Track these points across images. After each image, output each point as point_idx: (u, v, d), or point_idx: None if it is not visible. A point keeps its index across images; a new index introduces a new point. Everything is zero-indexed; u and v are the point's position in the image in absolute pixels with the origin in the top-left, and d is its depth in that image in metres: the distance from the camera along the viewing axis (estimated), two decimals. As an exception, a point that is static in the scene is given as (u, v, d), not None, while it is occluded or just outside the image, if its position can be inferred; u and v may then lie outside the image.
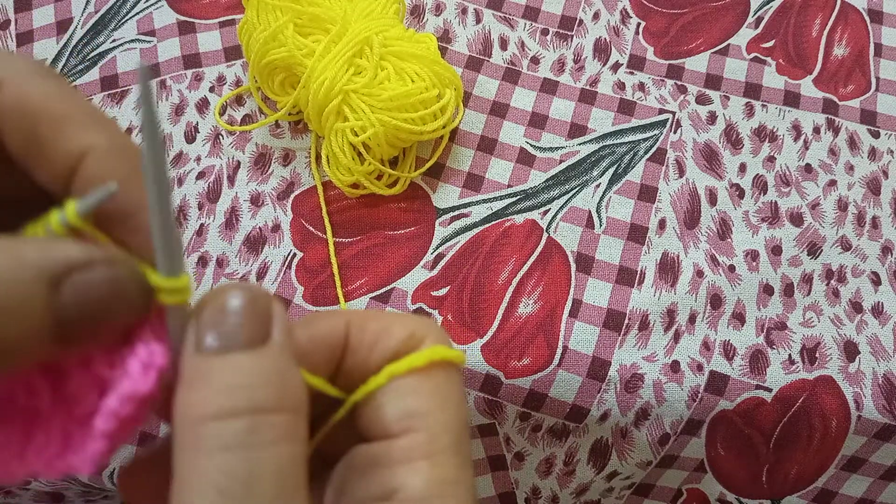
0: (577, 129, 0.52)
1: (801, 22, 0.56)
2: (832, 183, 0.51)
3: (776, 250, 0.49)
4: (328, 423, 0.21)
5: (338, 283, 0.47)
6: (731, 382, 0.45)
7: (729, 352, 0.46)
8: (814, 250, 0.49)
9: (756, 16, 0.57)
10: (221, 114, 0.52)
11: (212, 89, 0.53)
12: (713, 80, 0.54)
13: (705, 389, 0.45)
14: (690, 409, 0.45)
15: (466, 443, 0.19)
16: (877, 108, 0.53)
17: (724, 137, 0.52)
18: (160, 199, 0.17)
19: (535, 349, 0.45)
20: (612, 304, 0.47)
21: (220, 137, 0.51)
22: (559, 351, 0.45)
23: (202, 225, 0.49)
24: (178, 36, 0.54)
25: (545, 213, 0.49)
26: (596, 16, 0.56)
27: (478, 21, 0.55)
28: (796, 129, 0.52)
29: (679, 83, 0.54)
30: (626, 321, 0.46)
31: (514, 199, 0.50)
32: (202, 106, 0.52)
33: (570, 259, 0.48)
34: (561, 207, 0.49)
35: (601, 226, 0.49)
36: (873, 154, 0.52)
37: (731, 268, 0.48)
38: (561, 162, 0.51)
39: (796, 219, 0.50)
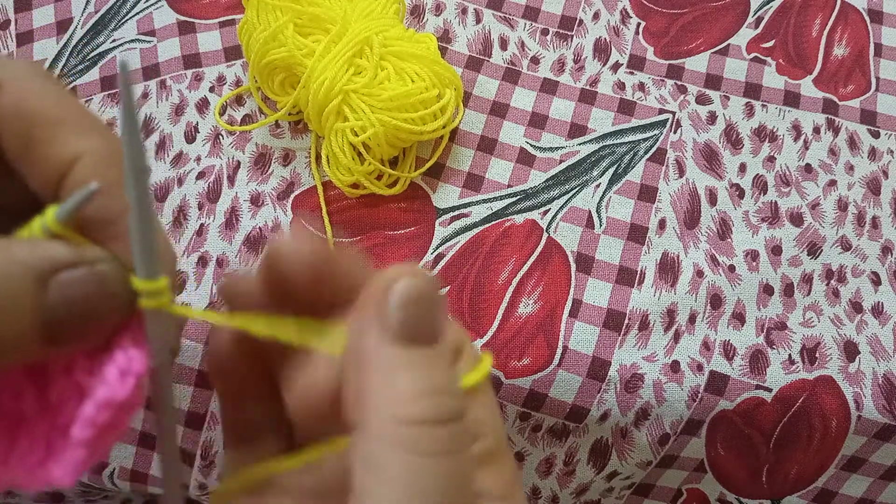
0: (577, 129, 0.52)
1: (801, 22, 0.56)
2: (832, 183, 0.51)
3: (776, 250, 0.49)
4: None
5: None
6: (731, 382, 0.45)
7: (729, 352, 0.46)
8: (814, 250, 0.49)
9: (756, 16, 0.57)
10: (221, 114, 0.52)
11: (212, 89, 0.53)
12: (713, 80, 0.54)
13: (705, 389, 0.45)
14: (690, 409, 0.45)
15: None
16: (877, 108, 0.53)
17: (724, 137, 0.52)
18: (139, 198, 0.17)
19: (535, 349, 0.45)
20: (612, 304, 0.47)
21: (220, 137, 0.51)
22: (559, 351, 0.45)
23: (202, 225, 0.49)
24: (178, 36, 0.54)
25: (545, 213, 0.49)
26: (596, 16, 0.56)
27: (478, 21, 0.55)
28: (796, 129, 0.52)
29: (679, 83, 0.54)
30: (626, 321, 0.46)
31: (514, 199, 0.50)
32: (202, 106, 0.52)
33: (570, 259, 0.48)
34: (561, 207, 0.49)
35: (601, 226, 0.49)
36: (873, 154, 0.52)
37: (731, 268, 0.48)
38: (561, 162, 0.51)
39: (796, 219, 0.50)
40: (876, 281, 0.48)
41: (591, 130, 0.52)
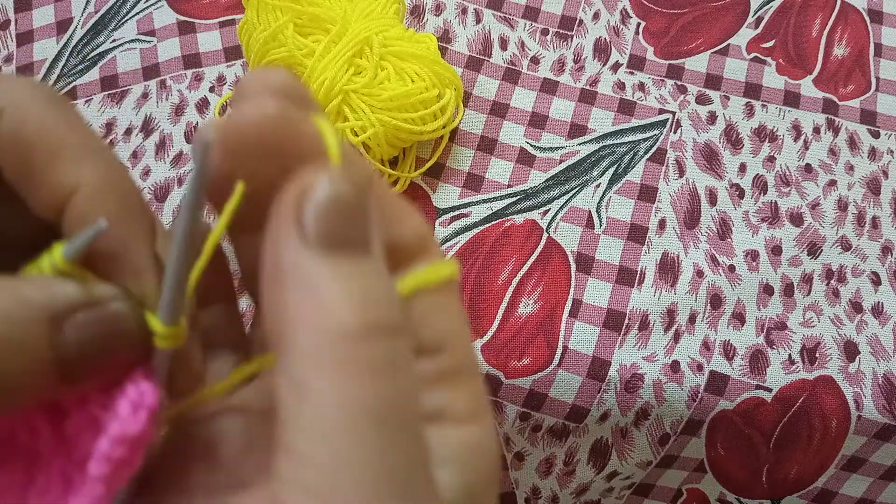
0: (577, 129, 0.52)
1: (801, 22, 0.56)
2: (832, 183, 0.51)
3: (776, 250, 0.49)
4: None
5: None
6: (731, 382, 0.45)
7: (729, 352, 0.46)
8: (814, 250, 0.49)
9: (756, 16, 0.57)
10: (221, 114, 0.52)
11: (212, 89, 0.53)
12: (713, 80, 0.54)
13: (705, 389, 0.45)
14: (690, 409, 0.45)
15: None
16: (877, 108, 0.53)
17: (724, 137, 0.52)
18: (185, 253, 0.16)
19: (535, 349, 0.45)
20: (612, 304, 0.47)
21: (220, 137, 0.51)
22: (559, 351, 0.45)
23: (202, 225, 0.49)
24: (178, 36, 0.54)
25: (545, 213, 0.49)
26: (596, 16, 0.56)
27: (478, 21, 0.55)
28: (796, 129, 0.52)
29: (679, 83, 0.54)
30: (626, 321, 0.46)
31: (514, 199, 0.50)
32: (202, 106, 0.52)
33: (570, 259, 0.48)
34: (561, 207, 0.49)
35: (601, 226, 0.49)
36: (873, 154, 0.52)
37: (731, 268, 0.48)
38: (561, 162, 0.51)
39: (796, 219, 0.50)
40: (876, 281, 0.48)
41: (591, 130, 0.52)
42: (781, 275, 0.48)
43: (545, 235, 0.49)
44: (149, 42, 0.54)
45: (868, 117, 0.53)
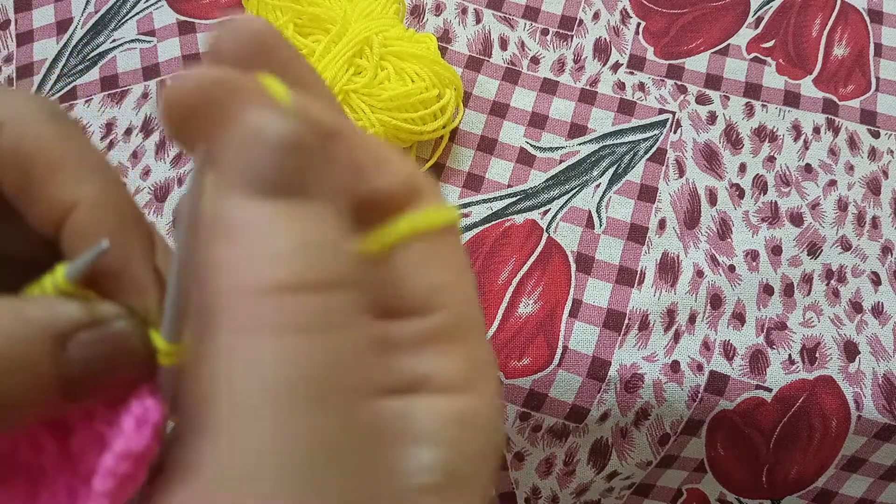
0: (577, 129, 0.52)
1: (801, 22, 0.56)
2: (832, 183, 0.51)
3: (776, 250, 0.49)
4: None
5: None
6: (731, 382, 0.45)
7: (729, 352, 0.46)
8: (814, 250, 0.49)
9: (756, 16, 0.57)
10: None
11: (212, 89, 0.53)
12: (713, 80, 0.54)
13: (705, 389, 0.45)
14: (690, 409, 0.45)
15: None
16: (877, 108, 0.53)
17: (724, 137, 0.52)
18: (186, 271, 0.16)
19: (535, 349, 0.45)
20: (612, 304, 0.47)
21: (220, 137, 0.51)
22: (559, 351, 0.45)
23: (202, 225, 0.49)
24: (178, 36, 0.54)
25: (545, 213, 0.49)
26: (596, 16, 0.56)
27: (478, 21, 0.55)
28: (796, 129, 0.52)
29: (679, 83, 0.54)
30: (626, 321, 0.46)
31: (514, 199, 0.50)
32: (202, 106, 0.52)
33: (570, 259, 0.48)
34: (561, 207, 0.49)
35: (601, 226, 0.49)
36: (873, 154, 0.52)
37: (731, 268, 0.48)
38: (561, 162, 0.51)
39: (796, 219, 0.50)
40: (876, 281, 0.48)
41: (591, 130, 0.52)
42: (781, 275, 0.48)
43: (545, 235, 0.49)
44: (149, 42, 0.54)
45: (868, 117, 0.53)
